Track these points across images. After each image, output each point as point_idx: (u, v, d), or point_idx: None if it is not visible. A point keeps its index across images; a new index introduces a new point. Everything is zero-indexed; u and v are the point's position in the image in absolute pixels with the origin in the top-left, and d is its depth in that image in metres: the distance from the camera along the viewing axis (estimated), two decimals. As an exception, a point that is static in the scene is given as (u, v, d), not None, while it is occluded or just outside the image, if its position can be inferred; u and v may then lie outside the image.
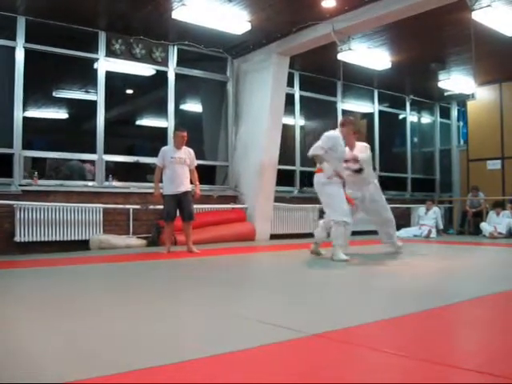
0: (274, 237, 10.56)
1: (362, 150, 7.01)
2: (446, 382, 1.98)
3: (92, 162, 9.09)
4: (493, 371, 2.03)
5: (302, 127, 12.25)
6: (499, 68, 11.87)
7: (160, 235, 8.75)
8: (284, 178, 11.23)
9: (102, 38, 9.18)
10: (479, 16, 7.88)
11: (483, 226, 11.58)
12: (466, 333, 2.91)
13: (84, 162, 9.16)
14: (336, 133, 6.58)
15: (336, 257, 6.19)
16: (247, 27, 8.68)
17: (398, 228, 11.95)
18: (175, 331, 2.81)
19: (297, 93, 11.93)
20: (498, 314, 3.40)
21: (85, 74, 9.49)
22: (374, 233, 7.67)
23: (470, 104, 13.77)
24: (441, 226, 12.06)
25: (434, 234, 11.55)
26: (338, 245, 6.25)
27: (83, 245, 8.34)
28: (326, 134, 6.52)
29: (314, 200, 10.95)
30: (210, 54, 10.48)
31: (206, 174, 9.72)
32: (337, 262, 6.12)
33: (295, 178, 11.79)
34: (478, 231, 11.85)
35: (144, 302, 3.66)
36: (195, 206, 7.92)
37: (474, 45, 8.41)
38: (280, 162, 10.57)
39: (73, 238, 8.34)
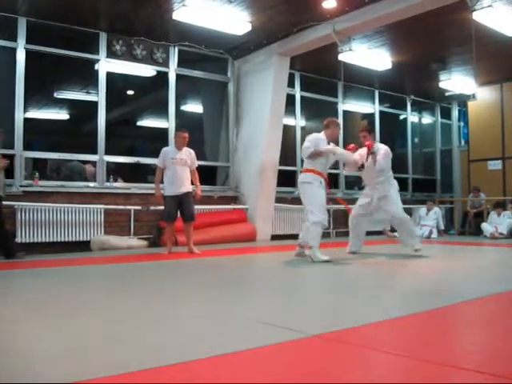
0: (275, 237, 10.56)
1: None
2: (446, 382, 1.98)
3: (93, 163, 9.11)
4: (493, 371, 2.03)
5: (302, 128, 12.25)
6: (500, 68, 11.88)
7: (161, 236, 8.76)
8: (285, 179, 11.23)
9: (103, 38, 9.19)
10: (480, 16, 7.89)
11: (484, 226, 11.59)
12: (467, 333, 2.91)
13: (85, 162, 9.18)
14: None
15: (316, 258, 6.22)
16: (248, 28, 8.69)
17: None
18: (176, 332, 2.82)
19: (297, 93, 11.94)
20: (499, 314, 3.40)
21: (86, 75, 9.51)
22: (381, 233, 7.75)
23: (470, 104, 13.78)
24: (442, 227, 12.05)
25: (435, 235, 11.55)
26: (315, 246, 6.30)
27: (84, 246, 8.34)
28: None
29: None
30: (211, 55, 10.49)
31: (206, 175, 9.72)
32: (317, 262, 6.15)
33: (296, 178, 11.78)
34: (478, 232, 11.85)
35: (145, 303, 3.66)
36: (196, 207, 7.92)
37: (474, 45, 8.40)
38: (281, 163, 10.57)
39: (74, 239, 8.36)
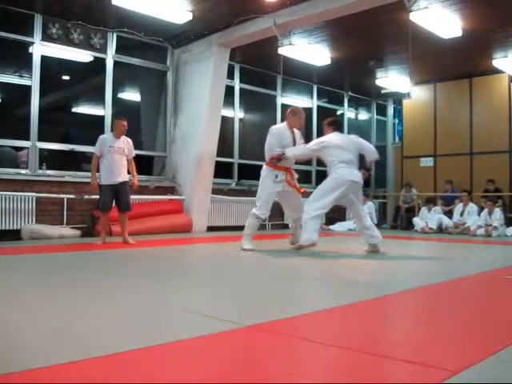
0: (210, 229, 10.55)
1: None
2: (374, 371, 2.03)
3: (26, 150, 8.83)
4: (420, 360, 2.10)
5: (241, 120, 12.26)
6: (434, 68, 12.23)
7: (95, 226, 8.59)
8: (222, 170, 11.23)
9: (38, 21, 8.88)
10: (416, 17, 8.10)
11: (415, 221, 11.94)
12: (396, 323, 2.99)
13: (17, 149, 8.89)
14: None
15: (243, 245, 6.66)
16: (188, 17, 8.60)
17: (333, 222, 12.24)
18: (106, 323, 2.76)
19: (237, 85, 11.93)
20: (426, 306, 3.50)
21: (19, 58, 9.20)
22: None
23: (405, 102, 14.14)
24: (375, 221, 12.34)
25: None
26: (246, 234, 6.75)
27: (15, 235, 8.08)
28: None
29: (251, 193, 11.07)
30: (150, 43, 10.34)
31: (143, 165, 9.60)
32: (243, 250, 6.58)
33: (233, 170, 11.82)
34: (410, 226, 12.20)
35: (74, 293, 3.58)
36: (132, 197, 7.80)
37: (410, 45, 8.62)
38: (218, 154, 10.56)
39: (3, 228, 8.08)
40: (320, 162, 13.23)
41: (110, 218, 7.75)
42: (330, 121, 6.99)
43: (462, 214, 11.45)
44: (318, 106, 14.02)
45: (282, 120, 12.44)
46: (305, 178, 12.81)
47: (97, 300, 3.37)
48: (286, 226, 10.71)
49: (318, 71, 12.17)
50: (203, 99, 10.14)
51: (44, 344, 2.34)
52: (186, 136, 10.50)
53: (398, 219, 13.18)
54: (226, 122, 11.34)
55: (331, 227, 11.85)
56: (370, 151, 6.77)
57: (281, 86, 12.92)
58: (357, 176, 6.50)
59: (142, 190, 9.50)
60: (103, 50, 9.78)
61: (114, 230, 8.36)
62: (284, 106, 12.99)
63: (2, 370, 1.88)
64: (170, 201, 10.33)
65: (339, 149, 6.52)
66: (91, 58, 9.77)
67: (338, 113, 15.03)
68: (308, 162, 12.28)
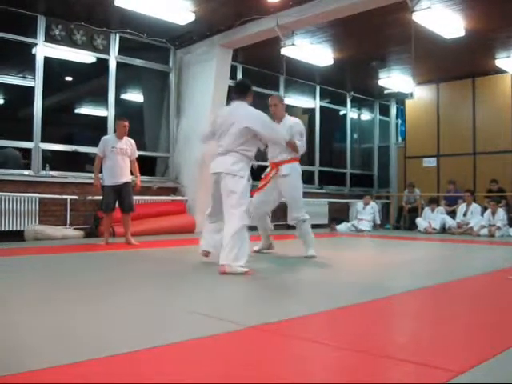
0: (214, 229, 10.52)
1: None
2: (376, 371, 2.03)
3: (28, 151, 8.83)
4: (423, 361, 2.10)
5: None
6: (437, 69, 12.22)
7: (98, 226, 8.60)
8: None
9: (41, 22, 8.89)
10: (419, 17, 8.09)
11: (418, 221, 11.92)
12: (398, 324, 2.99)
13: (19, 150, 8.90)
14: None
15: None
16: (191, 18, 8.61)
17: (339, 222, 12.23)
18: (110, 324, 2.77)
19: (239, 86, 11.89)
20: (428, 306, 3.51)
21: (22, 59, 9.20)
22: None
23: (408, 103, 14.13)
24: (378, 221, 12.34)
25: (369, 228, 11.83)
26: None
27: (18, 236, 8.09)
28: None
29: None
30: (153, 44, 10.34)
31: (146, 165, 9.60)
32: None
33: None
34: (413, 226, 12.18)
35: (76, 294, 3.59)
36: (134, 198, 7.80)
37: (413, 45, 8.60)
38: (221, 155, 10.54)
39: (7, 229, 8.08)
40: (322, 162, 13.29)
41: (113, 219, 7.77)
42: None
43: (465, 215, 11.43)
44: (321, 107, 14.01)
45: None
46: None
47: (99, 301, 3.38)
48: (289, 227, 10.71)
49: (320, 72, 12.16)
50: (206, 100, 10.14)
51: (46, 345, 2.34)
52: (189, 136, 10.50)
53: (401, 219, 13.17)
54: (228, 123, 11.31)
55: (337, 227, 11.85)
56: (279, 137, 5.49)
57: (283, 86, 12.90)
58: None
59: (145, 191, 9.49)
60: (106, 51, 9.78)
61: (117, 231, 8.37)
62: (287, 107, 12.97)
63: (3, 371, 1.89)
64: (173, 201, 10.34)
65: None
66: (94, 59, 9.78)
67: (341, 113, 15.02)
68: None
